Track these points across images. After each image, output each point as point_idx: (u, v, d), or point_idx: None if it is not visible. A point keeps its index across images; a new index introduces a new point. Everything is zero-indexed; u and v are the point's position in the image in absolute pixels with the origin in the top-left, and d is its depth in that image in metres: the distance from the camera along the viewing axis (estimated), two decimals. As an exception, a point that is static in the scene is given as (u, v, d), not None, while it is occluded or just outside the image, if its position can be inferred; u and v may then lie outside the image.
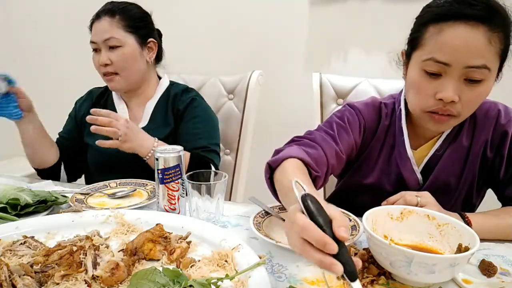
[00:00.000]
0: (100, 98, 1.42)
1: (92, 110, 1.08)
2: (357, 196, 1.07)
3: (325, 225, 0.53)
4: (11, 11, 2.57)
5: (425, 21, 0.85)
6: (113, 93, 1.40)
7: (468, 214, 0.85)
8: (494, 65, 0.81)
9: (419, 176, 0.98)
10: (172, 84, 1.42)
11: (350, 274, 0.51)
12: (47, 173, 1.31)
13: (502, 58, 0.83)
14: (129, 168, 1.21)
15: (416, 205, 0.82)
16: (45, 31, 2.52)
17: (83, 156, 1.38)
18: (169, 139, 1.27)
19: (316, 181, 0.88)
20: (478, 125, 0.96)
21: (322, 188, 1.50)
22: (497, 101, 0.99)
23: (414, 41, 0.88)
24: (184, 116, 1.32)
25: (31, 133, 1.23)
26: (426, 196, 0.84)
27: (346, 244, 0.55)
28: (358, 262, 0.53)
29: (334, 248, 0.51)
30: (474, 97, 0.83)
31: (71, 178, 1.40)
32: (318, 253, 0.52)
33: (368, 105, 1.03)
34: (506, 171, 0.94)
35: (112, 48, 1.25)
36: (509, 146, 0.93)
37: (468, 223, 0.83)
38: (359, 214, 0.77)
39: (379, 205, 0.82)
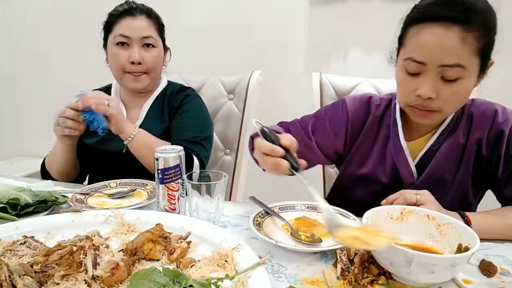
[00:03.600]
0: None
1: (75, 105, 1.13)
2: (353, 188, 1.09)
3: (276, 141, 0.79)
4: (11, 11, 2.57)
5: (407, 22, 0.90)
6: (112, 95, 1.40)
7: (468, 214, 0.86)
8: (470, 64, 0.83)
9: (413, 168, 1.00)
10: (169, 84, 1.45)
11: (294, 168, 0.77)
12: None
13: (484, 56, 0.85)
14: (129, 167, 1.21)
15: (416, 203, 0.82)
16: (45, 31, 2.52)
17: (84, 157, 1.37)
18: (165, 136, 1.29)
19: None
20: (475, 123, 0.97)
21: (322, 185, 1.51)
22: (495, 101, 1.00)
23: (399, 41, 0.93)
24: (177, 111, 1.35)
25: (71, 153, 1.26)
26: (425, 194, 0.85)
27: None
28: (301, 162, 0.79)
29: (279, 151, 0.77)
30: (452, 94, 0.86)
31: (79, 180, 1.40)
32: (271, 158, 0.78)
33: (356, 99, 1.09)
34: (504, 171, 0.94)
35: (146, 47, 1.29)
36: (506, 146, 0.93)
37: (467, 222, 0.83)
38: (359, 214, 0.77)
39: (375, 197, 0.86)
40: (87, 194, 1.05)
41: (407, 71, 0.89)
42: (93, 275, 0.64)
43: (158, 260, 0.73)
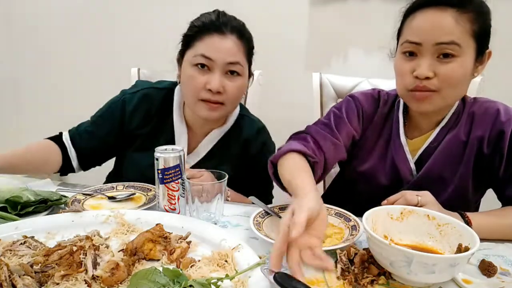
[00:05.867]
0: (159, 114, 1.18)
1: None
2: (353, 183, 1.10)
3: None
4: (11, 11, 2.57)
5: (405, 13, 0.95)
6: (175, 112, 1.17)
7: (468, 214, 0.86)
8: (465, 43, 0.87)
9: (412, 165, 1.01)
10: (242, 116, 1.22)
11: None
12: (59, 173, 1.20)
13: (479, 40, 0.88)
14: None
15: (417, 204, 0.82)
16: (47, 31, 2.52)
17: (104, 156, 1.25)
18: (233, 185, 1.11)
19: (315, 167, 0.93)
20: (476, 121, 0.97)
21: (322, 182, 1.51)
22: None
23: (398, 34, 0.98)
24: (256, 161, 1.18)
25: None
26: (426, 195, 0.85)
27: (347, 244, 0.60)
28: None
29: None
30: (449, 72, 0.88)
31: (85, 168, 1.24)
32: None
33: (367, 94, 1.10)
34: (506, 170, 0.94)
35: (230, 74, 1.07)
36: (509, 145, 0.93)
37: (468, 222, 0.83)
38: (359, 214, 0.77)
39: (374, 194, 0.88)
40: (89, 195, 1.04)
41: (404, 55, 0.93)
42: (93, 275, 0.64)
43: (158, 260, 0.73)
